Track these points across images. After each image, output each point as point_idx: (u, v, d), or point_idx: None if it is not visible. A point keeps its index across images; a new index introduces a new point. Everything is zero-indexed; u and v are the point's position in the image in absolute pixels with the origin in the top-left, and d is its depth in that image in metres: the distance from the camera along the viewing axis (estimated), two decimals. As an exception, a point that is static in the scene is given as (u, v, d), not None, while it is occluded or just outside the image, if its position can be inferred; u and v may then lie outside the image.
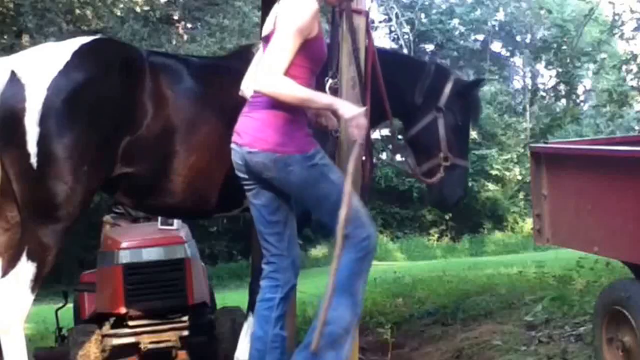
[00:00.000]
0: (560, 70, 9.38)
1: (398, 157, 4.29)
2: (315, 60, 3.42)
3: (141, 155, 3.70)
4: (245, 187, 3.50)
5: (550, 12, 12.50)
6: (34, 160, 3.44)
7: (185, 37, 18.80)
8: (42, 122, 3.43)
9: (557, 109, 10.85)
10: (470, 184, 27.76)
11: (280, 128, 3.31)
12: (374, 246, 3.44)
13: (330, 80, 3.93)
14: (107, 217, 6.04)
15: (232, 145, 3.46)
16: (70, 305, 6.34)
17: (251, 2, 16.95)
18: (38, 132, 3.42)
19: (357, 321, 3.48)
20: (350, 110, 3.32)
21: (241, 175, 3.47)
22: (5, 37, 15.08)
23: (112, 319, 5.35)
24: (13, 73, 3.51)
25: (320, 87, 3.80)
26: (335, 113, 3.46)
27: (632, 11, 9.56)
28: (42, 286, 3.67)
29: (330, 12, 4.02)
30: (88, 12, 16.04)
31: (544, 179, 3.69)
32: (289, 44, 3.23)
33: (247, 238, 17.12)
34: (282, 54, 3.22)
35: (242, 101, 3.71)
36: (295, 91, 3.23)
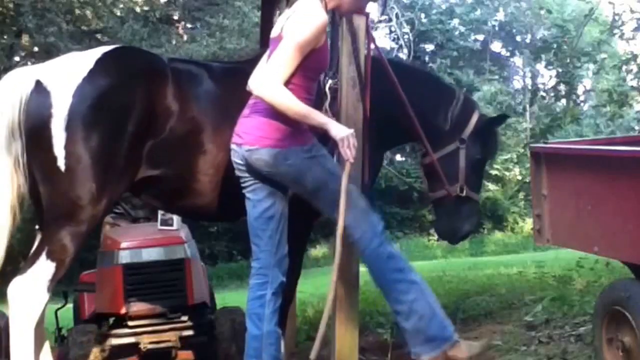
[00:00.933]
0: (560, 70, 9.38)
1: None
2: (317, 69, 3.53)
3: (166, 158, 3.79)
4: (243, 184, 3.59)
5: (550, 12, 12.50)
6: (61, 163, 3.54)
7: (185, 37, 18.81)
8: (69, 127, 3.55)
9: (557, 109, 10.85)
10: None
11: (278, 126, 3.41)
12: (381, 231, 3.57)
13: (330, 81, 3.94)
14: (107, 217, 6.03)
15: (232, 146, 3.55)
16: (70, 306, 6.34)
17: (251, 2, 16.95)
18: (65, 137, 3.54)
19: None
20: (342, 132, 3.39)
21: (240, 174, 3.56)
22: (5, 37, 15.07)
23: (111, 319, 5.34)
24: (38, 82, 3.63)
25: (319, 86, 3.83)
26: (327, 133, 3.46)
27: (632, 11, 9.56)
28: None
29: (330, 12, 4.03)
30: (88, 12, 16.05)
31: (544, 179, 3.69)
32: (293, 56, 3.33)
33: (247, 238, 17.05)
34: (284, 65, 3.33)
35: None
36: (291, 105, 3.32)
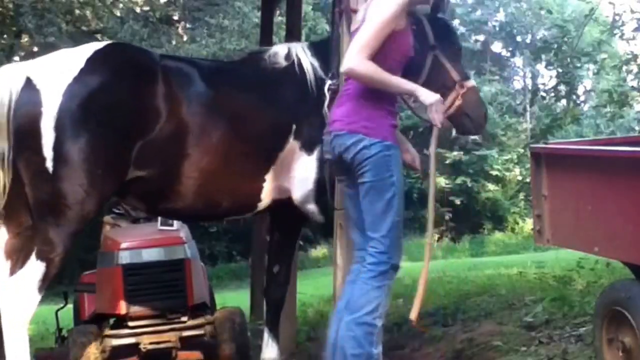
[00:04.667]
0: (560, 70, 9.37)
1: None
2: (402, 52, 3.58)
3: (153, 159, 3.75)
4: (338, 178, 3.71)
5: (550, 12, 12.50)
6: (49, 164, 3.50)
7: (185, 37, 18.80)
8: (58, 126, 3.50)
9: (558, 110, 10.84)
10: (470, 184, 27.86)
11: (367, 114, 3.50)
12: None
13: (329, 81, 3.95)
14: (107, 218, 6.03)
15: (324, 136, 3.65)
16: (70, 306, 6.34)
17: (251, 3, 16.94)
18: (54, 136, 3.48)
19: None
20: (431, 97, 3.53)
21: (333, 167, 3.70)
22: (5, 37, 15.07)
23: (112, 320, 5.34)
24: (28, 79, 3.57)
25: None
26: (416, 99, 3.62)
27: (632, 11, 9.56)
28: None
29: (330, 12, 4.03)
30: (88, 13, 16.03)
31: (544, 179, 3.68)
32: (375, 35, 3.41)
33: (247, 239, 17.17)
34: (369, 40, 3.40)
35: (251, 106, 3.89)
36: (377, 74, 3.42)
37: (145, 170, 3.75)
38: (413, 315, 3.49)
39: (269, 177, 3.99)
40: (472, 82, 4.26)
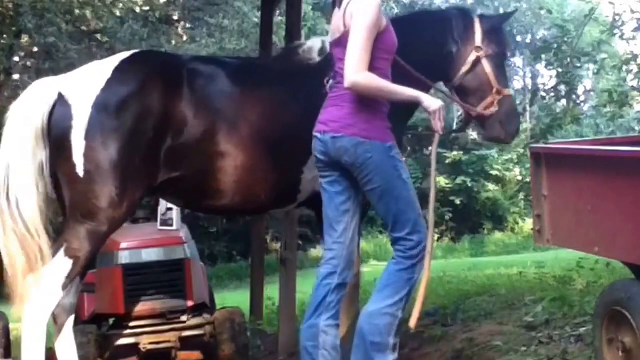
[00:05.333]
0: (560, 70, 9.35)
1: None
2: (390, 50, 3.60)
3: (185, 160, 3.90)
4: (322, 175, 3.69)
5: (550, 12, 12.54)
6: (80, 169, 3.71)
7: (185, 37, 18.79)
8: (88, 136, 3.72)
9: (557, 110, 10.82)
10: (470, 184, 27.85)
11: (365, 116, 3.52)
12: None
13: (331, 81, 3.95)
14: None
15: (316, 134, 3.65)
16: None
17: (251, 3, 16.93)
18: (84, 145, 3.71)
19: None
20: (434, 104, 3.55)
21: (320, 164, 3.66)
22: (5, 37, 15.06)
23: (111, 320, 5.34)
24: (61, 94, 3.81)
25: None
26: (420, 105, 3.66)
27: (632, 11, 9.54)
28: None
29: (330, 12, 4.02)
30: (87, 13, 16.02)
31: (544, 179, 3.68)
32: (366, 43, 3.45)
33: (246, 239, 17.19)
34: (363, 53, 3.43)
35: (284, 100, 4.03)
36: (381, 85, 3.47)
37: (179, 171, 3.91)
38: (412, 322, 3.50)
39: (306, 169, 4.05)
40: (510, 91, 4.31)
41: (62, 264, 3.69)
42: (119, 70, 3.87)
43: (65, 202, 3.81)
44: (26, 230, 3.71)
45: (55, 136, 3.79)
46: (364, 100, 3.50)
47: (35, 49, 15.27)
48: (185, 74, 3.97)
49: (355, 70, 3.41)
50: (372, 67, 3.47)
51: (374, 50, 3.48)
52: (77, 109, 3.77)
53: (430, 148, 3.73)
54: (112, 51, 15.23)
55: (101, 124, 3.74)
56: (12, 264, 3.73)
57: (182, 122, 3.88)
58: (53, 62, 14.43)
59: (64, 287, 3.71)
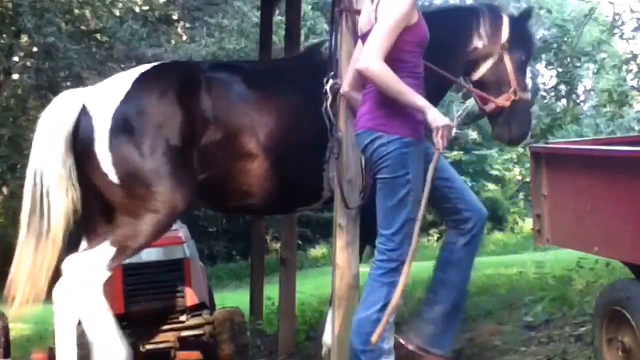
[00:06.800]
0: (560, 70, 9.36)
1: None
2: (421, 43, 3.56)
3: (212, 162, 4.02)
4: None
5: (550, 12, 12.50)
6: (114, 178, 3.87)
7: (185, 37, 18.78)
8: (112, 148, 3.88)
9: (558, 110, 10.82)
10: (470, 184, 27.87)
11: (388, 111, 3.47)
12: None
13: (331, 81, 3.94)
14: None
15: (355, 134, 3.68)
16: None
17: (251, 2, 16.91)
18: (111, 156, 3.87)
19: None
20: (439, 120, 3.39)
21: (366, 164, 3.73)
22: (4, 37, 15.05)
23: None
24: (84, 107, 3.97)
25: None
26: (424, 117, 3.47)
27: (632, 11, 9.55)
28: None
29: (330, 12, 4.02)
30: (87, 13, 16.01)
31: (544, 179, 3.68)
32: (390, 33, 3.40)
33: (246, 239, 17.16)
34: (384, 40, 3.39)
35: (304, 99, 4.07)
36: (391, 82, 3.37)
37: (207, 173, 4.02)
38: (374, 338, 3.34)
39: (328, 167, 4.09)
40: (528, 96, 4.31)
41: (108, 250, 3.83)
42: (139, 82, 4.01)
43: (110, 204, 3.95)
44: (46, 237, 3.87)
45: (81, 147, 3.95)
46: (384, 97, 3.45)
47: (35, 49, 15.26)
48: (204, 80, 4.09)
49: (373, 56, 3.37)
50: (401, 60, 3.45)
51: (404, 43, 3.45)
52: (98, 120, 3.91)
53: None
54: (111, 51, 15.25)
55: (123, 134, 3.88)
56: (18, 269, 3.87)
57: (204, 126, 3.98)
58: (53, 62, 14.43)
59: (109, 268, 3.85)
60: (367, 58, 3.38)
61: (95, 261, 3.84)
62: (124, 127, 3.91)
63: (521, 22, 4.51)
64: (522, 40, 4.43)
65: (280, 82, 4.27)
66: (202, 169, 4.02)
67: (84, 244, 4.13)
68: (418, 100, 3.41)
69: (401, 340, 3.78)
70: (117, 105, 3.93)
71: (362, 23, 3.68)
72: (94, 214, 4.10)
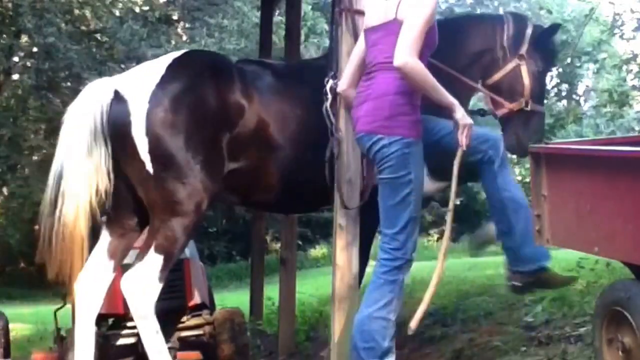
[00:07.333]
0: (560, 70, 9.36)
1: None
2: (430, 46, 3.60)
3: (243, 151, 4.01)
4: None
5: (550, 12, 12.50)
6: (149, 166, 3.81)
7: (185, 37, 18.77)
8: (149, 131, 3.83)
9: (558, 109, 10.83)
10: (470, 184, 27.77)
11: (388, 113, 3.50)
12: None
13: (331, 81, 3.95)
14: (105, 218, 6.01)
15: (356, 136, 3.73)
16: (69, 306, 6.31)
17: (250, 2, 16.92)
18: (147, 141, 3.80)
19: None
20: (466, 119, 3.52)
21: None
22: (4, 37, 15.04)
23: (111, 320, 5.33)
24: (117, 92, 3.91)
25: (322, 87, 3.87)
26: (452, 115, 3.56)
27: (632, 11, 9.56)
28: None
29: (330, 12, 4.02)
30: (87, 13, 16.01)
31: (544, 179, 3.67)
32: (420, 33, 3.44)
33: (246, 239, 17.18)
34: (418, 39, 3.42)
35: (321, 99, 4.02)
36: (428, 79, 3.43)
37: (238, 162, 4.02)
38: (413, 323, 3.48)
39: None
40: (542, 109, 4.39)
41: (155, 261, 3.82)
42: (172, 67, 3.98)
43: (144, 201, 3.92)
44: (64, 232, 3.85)
45: (115, 133, 3.88)
46: (389, 95, 3.49)
47: (35, 49, 15.24)
48: (234, 69, 4.12)
49: (409, 52, 3.39)
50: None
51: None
52: (133, 104, 3.86)
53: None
54: (111, 51, 15.25)
55: (160, 118, 3.83)
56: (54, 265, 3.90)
57: (238, 113, 3.97)
58: (53, 62, 14.41)
59: (160, 279, 3.85)
60: (404, 55, 3.39)
61: (146, 279, 3.85)
62: (160, 111, 3.85)
63: (545, 35, 4.51)
64: (542, 52, 4.44)
65: (306, 79, 4.28)
66: (232, 158, 4.01)
67: (105, 235, 4.12)
68: (449, 98, 3.52)
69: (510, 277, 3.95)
70: (153, 88, 3.88)
71: (372, 17, 3.67)
72: (123, 208, 4.09)
